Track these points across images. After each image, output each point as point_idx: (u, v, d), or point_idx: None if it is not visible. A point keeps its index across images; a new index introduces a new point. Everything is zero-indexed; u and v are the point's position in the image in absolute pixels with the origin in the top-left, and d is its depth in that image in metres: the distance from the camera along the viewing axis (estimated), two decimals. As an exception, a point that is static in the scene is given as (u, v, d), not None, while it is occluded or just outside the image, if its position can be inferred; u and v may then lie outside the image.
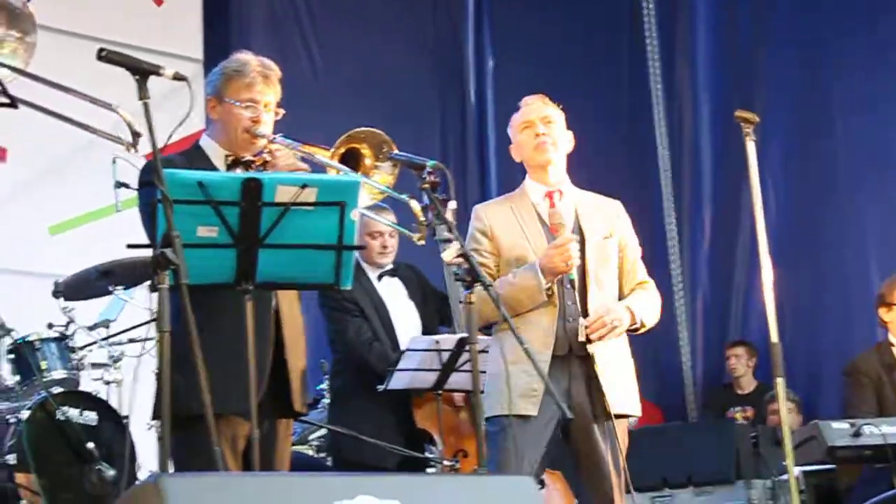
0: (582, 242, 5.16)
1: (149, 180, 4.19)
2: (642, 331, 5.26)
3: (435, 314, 6.69)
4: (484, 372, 5.58)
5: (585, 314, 5.07)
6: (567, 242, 5.02)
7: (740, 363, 9.92)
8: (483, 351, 5.31)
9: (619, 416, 5.08)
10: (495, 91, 11.39)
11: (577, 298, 5.10)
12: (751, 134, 5.62)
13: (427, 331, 6.50)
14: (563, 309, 5.06)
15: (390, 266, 6.61)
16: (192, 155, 4.68)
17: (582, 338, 5.02)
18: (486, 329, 5.26)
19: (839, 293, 9.73)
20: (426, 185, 4.59)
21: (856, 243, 9.68)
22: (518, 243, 5.15)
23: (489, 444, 5.05)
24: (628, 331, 5.17)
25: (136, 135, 3.84)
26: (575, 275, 5.06)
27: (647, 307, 5.27)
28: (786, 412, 5.56)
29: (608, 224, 5.30)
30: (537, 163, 5.29)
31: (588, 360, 5.04)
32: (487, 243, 5.20)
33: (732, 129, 9.84)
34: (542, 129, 5.27)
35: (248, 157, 4.65)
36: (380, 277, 6.55)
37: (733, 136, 9.82)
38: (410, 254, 6.41)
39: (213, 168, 4.60)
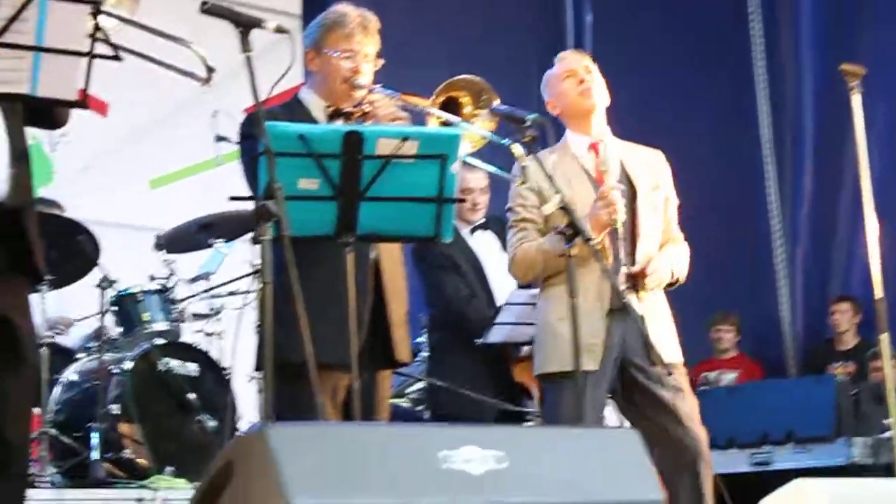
0: (632, 194, 5.09)
1: (251, 133, 4.21)
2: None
3: None
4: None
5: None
6: (610, 192, 4.91)
7: (844, 319, 9.78)
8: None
9: (672, 364, 4.99)
10: (594, 46, 11.31)
11: (627, 251, 5.02)
12: (856, 87, 5.54)
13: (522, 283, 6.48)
14: (616, 262, 4.98)
15: (483, 219, 6.60)
16: (292, 107, 4.69)
17: (622, 286, 4.92)
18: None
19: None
20: (527, 139, 4.59)
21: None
22: (566, 195, 4.83)
23: (546, 400, 5.04)
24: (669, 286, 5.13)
25: (209, 70, 3.84)
26: (621, 226, 4.94)
27: (683, 264, 5.21)
28: (890, 368, 5.49)
29: (653, 175, 5.23)
30: (582, 109, 5.19)
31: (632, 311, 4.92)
32: (534, 198, 5.09)
33: (836, 83, 9.77)
34: (586, 76, 5.21)
35: (348, 108, 4.66)
36: (472, 232, 6.54)
37: (837, 90, 9.74)
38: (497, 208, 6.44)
39: (313, 120, 4.62)
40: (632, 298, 4.94)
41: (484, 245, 6.57)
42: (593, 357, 4.84)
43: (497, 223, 6.65)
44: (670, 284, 5.14)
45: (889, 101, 9.75)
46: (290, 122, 4.30)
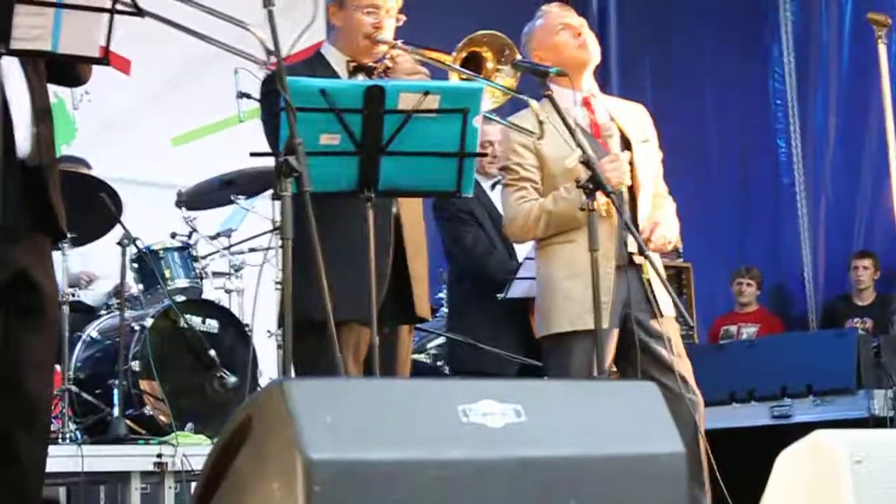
0: (626, 149, 5.00)
1: (273, 88, 4.21)
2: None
3: None
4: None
5: (636, 223, 4.92)
6: (618, 158, 4.85)
7: (866, 275, 9.78)
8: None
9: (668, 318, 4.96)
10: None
11: (629, 208, 4.94)
12: (883, 37, 5.50)
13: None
14: (618, 220, 4.84)
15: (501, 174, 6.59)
16: (314, 63, 4.70)
17: (633, 248, 4.86)
18: None
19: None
20: (549, 93, 4.58)
21: None
22: (563, 154, 4.78)
23: (554, 361, 4.99)
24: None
25: (269, 53, 3.85)
26: (625, 187, 4.88)
27: (676, 224, 5.15)
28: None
29: (642, 128, 5.16)
30: (580, 62, 5.07)
31: (640, 268, 4.90)
32: (532, 157, 5.02)
33: (862, 32, 9.72)
34: (582, 29, 5.12)
35: (370, 63, 4.66)
36: (493, 186, 6.53)
37: (860, 39, 9.69)
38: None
39: (335, 75, 4.62)
40: (636, 258, 4.89)
41: (504, 199, 6.56)
42: (605, 315, 4.71)
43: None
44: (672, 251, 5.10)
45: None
46: (311, 77, 4.31)
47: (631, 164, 4.95)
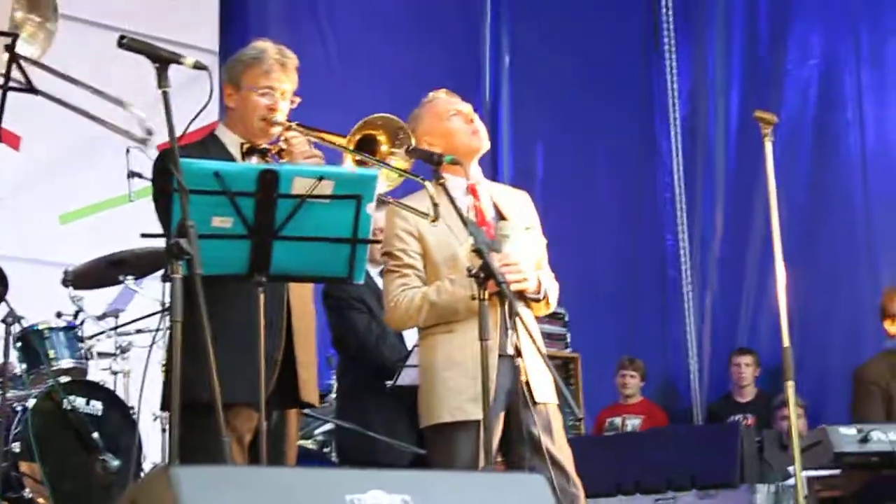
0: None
1: (166, 168, 4.18)
2: (543, 308, 5.06)
3: None
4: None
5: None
6: (517, 263, 4.82)
7: (748, 371, 9.91)
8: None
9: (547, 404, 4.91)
10: (511, 83, 11.39)
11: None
12: (769, 134, 5.62)
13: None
14: (502, 310, 4.75)
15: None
16: (208, 144, 4.68)
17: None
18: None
19: (848, 299, 9.72)
20: (442, 181, 4.59)
21: (865, 249, 9.67)
22: (447, 242, 4.87)
23: (437, 452, 4.94)
24: (530, 299, 4.96)
25: (148, 132, 3.83)
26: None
27: (552, 286, 5.07)
28: (795, 416, 5.56)
29: (525, 216, 5.14)
30: (471, 150, 5.06)
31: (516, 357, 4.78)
32: (415, 243, 4.95)
33: (747, 130, 9.92)
34: (474, 116, 5.13)
35: (264, 144, 4.66)
36: (381, 273, 6.51)
37: (747, 137, 9.89)
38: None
39: (229, 156, 4.60)
40: (512, 337, 4.75)
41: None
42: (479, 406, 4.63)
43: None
44: (535, 300, 5.00)
45: (797, 147, 9.92)
46: (204, 158, 4.29)
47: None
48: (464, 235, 4.74)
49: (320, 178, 4.06)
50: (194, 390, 3.89)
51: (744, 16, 10.48)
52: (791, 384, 5.48)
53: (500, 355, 4.79)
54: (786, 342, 5.48)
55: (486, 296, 4.43)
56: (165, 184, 4.09)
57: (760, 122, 5.63)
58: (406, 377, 6.07)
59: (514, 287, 4.75)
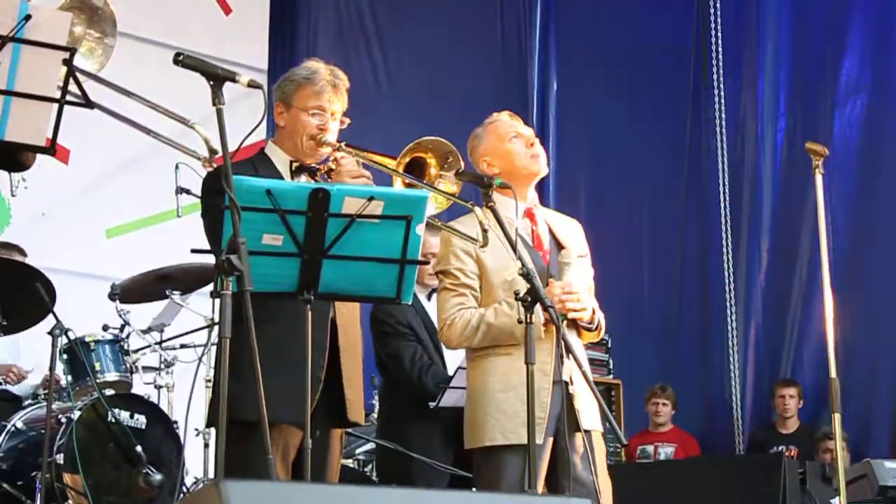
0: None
1: (216, 186, 4.20)
2: (593, 337, 5.08)
3: None
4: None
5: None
6: (579, 293, 4.86)
7: (792, 403, 9.86)
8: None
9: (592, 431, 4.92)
10: (557, 112, 11.41)
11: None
12: (819, 167, 5.59)
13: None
14: (557, 337, 4.72)
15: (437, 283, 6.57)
16: (256, 161, 4.70)
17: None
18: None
19: (894, 331, 9.66)
20: (491, 204, 4.59)
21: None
22: (504, 266, 4.85)
23: (484, 474, 4.94)
24: (583, 328, 4.99)
25: (212, 152, 3.85)
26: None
27: (601, 316, 5.06)
28: (841, 448, 5.53)
29: (579, 242, 5.15)
30: (530, 173, 5.07)
31: (567, 384, 4.84)
32: (473, 264, 4.96)
33: (794, 161, 9.90)
34: (535, 140, 5.15)
35: (313, 164, 4.68)
36: (429, 296, 6.51)
37: (794, 168, 9.87)
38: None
39: (278, 174, 4.62)
40: (566, 363, 4.79)
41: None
42: (540, 430, 4.69)
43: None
44: (588, 329, 5.01)
45: (844, 179, 9.87)
46: (254, 175, 4.31)
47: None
48: (522, 258, 4.69)
49: (371, 199, 4.06)
50: (241, 408, 3.91)
51: (792, 49, 10.45)
52: (837, 416, 5.44)
53: (554, 381, 4.81)
54: (833, 373, 5.45)
55: (532, 320, 4.43)
56: (215, 201, 4.11)
57: (811, 153, 5.61)
58: (449, 398, 6.07)
59: (572, 315, 4.83)
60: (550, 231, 5.11)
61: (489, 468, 4.86)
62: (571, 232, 5.19)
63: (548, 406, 4.77)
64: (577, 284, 4.89)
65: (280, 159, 4.71)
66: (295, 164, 4.68)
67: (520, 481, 4.71)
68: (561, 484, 4.84)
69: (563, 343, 4.62)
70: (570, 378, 4.83)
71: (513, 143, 5.11)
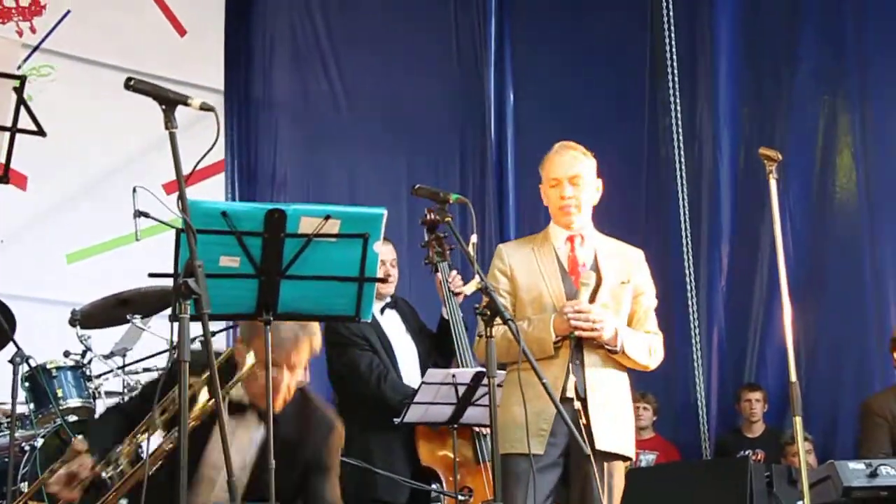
0: (597, 283, 5.25)
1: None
2: (627, 362, 5.31)
3: (426, 350, 6.64)
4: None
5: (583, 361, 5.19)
6: (589, 311, 5.12)
7: (758, 406, 9.90)
8: (501, 385, 5.33)
9: (613, 457, 5.17)
10: (515, 127, 11.44)
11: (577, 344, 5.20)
12: (773, 172, 5.63)
13: (424, 366, 6.45)
14: (571, 355, 5.15)
15: (390, 298, 6.59)
16: None
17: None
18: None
19: (856, 333, 9.69)
20: (448, 219, 4.64)
21: (873, 283, 9.64)
22: (535, 284, 5.26)
23: (503, 480, 5.03)
24: (608, 350, 5.21)
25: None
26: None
27: (638, 342, 5.33)
28: (804, 451, 5.55)
29: (626, 270, 5.38)
30: (558, 223, 5.41)
31: (585, 403, 5.12)
32: (506, 282, 5.30)
33: (751, 167, 9.93)
34: (570, 191, 5.33)
35: None
36: (382, 310, 6.52)
37: (752, 174, 9.89)
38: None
39: None
40: (590, 385, 5.14)
41: (392, 324, 6.55)
42: (539, 441, 5.02)
43: (405, 304, 6.66)
44: (612, 351, 5.21)
45: (800, 181, 9.92)
46: None
47: (594, 299, 5.22)
48: (552, 280, 5.25)
49: (327, 217, 4.06)
50: None
51: (746, 51, 10.49)
52: (799, 419, 5.47)
53: (561, 398, 5.02)
54: (793, 377, 5.48)
55: (491, 333, 4.48)
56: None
57: (764, 159, 5.65)
58: (413, 414, 6.07)
59: (578, 333, 5.13)
60: (595, 259, 5.37)
61: (503, 475, 4.94)
62: (620, 260, 5.42)
63: (550, 420, 5.03)
64: (592, 306, 5.16)
65: None
66: None
67: (524, 489, 4.98)
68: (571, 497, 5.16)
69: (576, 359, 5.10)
70: (584, 396, 5.11)
71: (551, 190, 5.39)
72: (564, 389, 5.09)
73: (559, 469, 5.14)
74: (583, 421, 5.04)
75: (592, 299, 5.21)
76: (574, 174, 5.34)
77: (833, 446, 9.51)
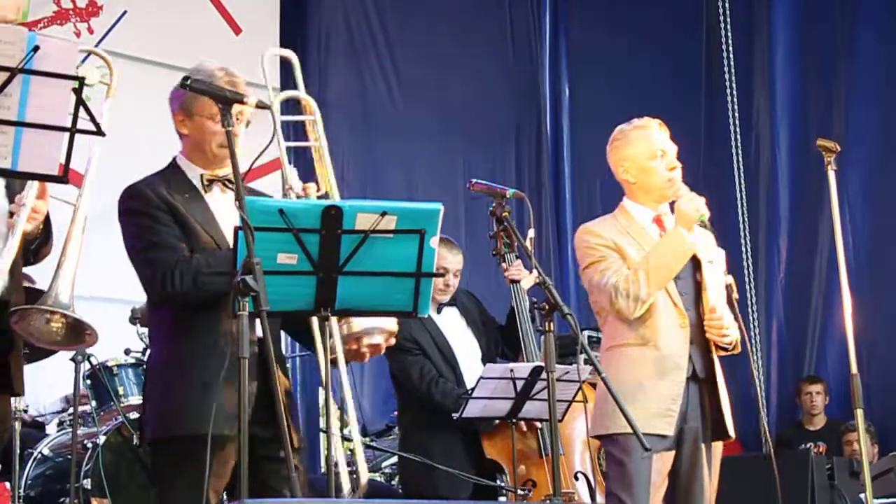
0: (697, 266, 5.13)
1: (132, 207, 4.19)
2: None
3: (494, 341, 6.62)
4: (565, 401, 5.62)
5: (705, 339, 5.05)
6: (721, 318, 5.01)
7: (819, 399, 9.84)
8: (560, 380, 5.30)
9: (721, 440, 5.12)
10: (570, 121, 11.41)
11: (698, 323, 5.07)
12: (832, 163, 5.57)
13: (487, 359, 6.44)
14: (692, 331, 5.01)
15: (448, 297, 6.56)
16: (168, 173, 4.58)
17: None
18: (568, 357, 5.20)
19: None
20: (506, 213, 4.63)
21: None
22: (641, 255, 5.04)
23: (611, 462, 5.01)
24: (722, 348, 5.12)
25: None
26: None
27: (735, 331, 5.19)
28: (866, 443, 5.52)
29: (708, 249, 5.23)
30: (663, 197, 5.21)
31: (705, 383, 5.04)
32: (615, 254, 5.07)
33: (809, 158, 9.87)
34: (676, 162, 5.21)
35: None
36: (439, 310, 6.50)
37: (810, 166, 9.83)
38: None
39: (192, 185, 4.53)
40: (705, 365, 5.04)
41: (450, 323, 6.52)
42: (668, 422, 4.89)
43: (467, 298, 6.64)
44: (726, 351, 5.15)
45: (862, 172, 9.85)
46: (167, 186, 4.43)
47: (700, 282, 5.09)
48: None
49: (383, 214, 4.07)
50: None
51: (803, 45, 10.43)
52: (860, 412, 5.43)
53: (688, 377, 4.97)
54: (854, 369, 5.44)
55: (551, 328, 4.45)
56: (137, 224, 4.10)
57: (823, 150, 5.59)
58: (472, 408, 6.06)
59: (711, 337, 5.02)
60: None
61: (615, 455, 4.95)
62: (701, 237, 5.22)
63: (679, 399, 4.92)
64: (720, 308, 5.04)
65: (192, 171, 4.54)
66: (207, 178, 4.51)
67: (645, 470, 4.86)
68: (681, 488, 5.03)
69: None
70: (706, 377, 5.03)
71: (655, 161, 5.19)
72: (693, 370, 5.00)
73: (675, 451, 5.01)
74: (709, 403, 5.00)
75: (699, 284, 5.09)
76: (675, 149, 5.25)
77: (892, 439, 9.44)
